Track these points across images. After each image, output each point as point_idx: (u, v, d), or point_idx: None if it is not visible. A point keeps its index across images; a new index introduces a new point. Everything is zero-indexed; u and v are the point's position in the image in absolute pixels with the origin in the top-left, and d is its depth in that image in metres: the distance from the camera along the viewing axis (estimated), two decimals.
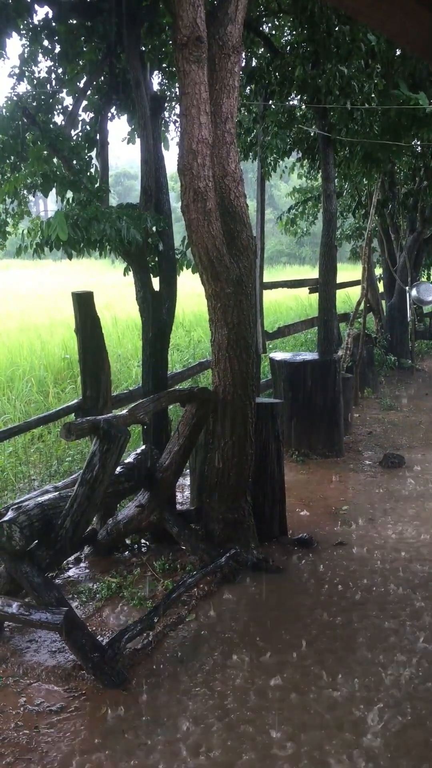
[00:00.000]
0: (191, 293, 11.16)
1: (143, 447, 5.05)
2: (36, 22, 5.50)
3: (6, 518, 3.80)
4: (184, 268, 5.69)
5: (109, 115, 5.90)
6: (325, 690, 3.62)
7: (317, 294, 9.03)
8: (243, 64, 7.32)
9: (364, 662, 3.85)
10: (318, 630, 4.19)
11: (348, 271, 18.41)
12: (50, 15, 5.46)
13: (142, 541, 5.30)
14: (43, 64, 5.86)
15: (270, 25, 8.65)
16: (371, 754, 3.16)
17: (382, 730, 3.31)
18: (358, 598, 4.56)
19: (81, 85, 5.74)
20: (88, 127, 5.90)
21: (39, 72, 5.86)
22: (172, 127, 7.76)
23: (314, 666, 3.82)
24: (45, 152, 5.29)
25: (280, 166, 10.07)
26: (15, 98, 5.65)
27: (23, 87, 5.85)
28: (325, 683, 3.67)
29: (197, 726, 3.36)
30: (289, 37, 8.58)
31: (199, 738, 3.28)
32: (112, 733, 3.33)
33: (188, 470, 5.78)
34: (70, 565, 5.01)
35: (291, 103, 8.49)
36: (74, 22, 5.53)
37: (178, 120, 4.83)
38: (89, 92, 5.79)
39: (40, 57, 5.80)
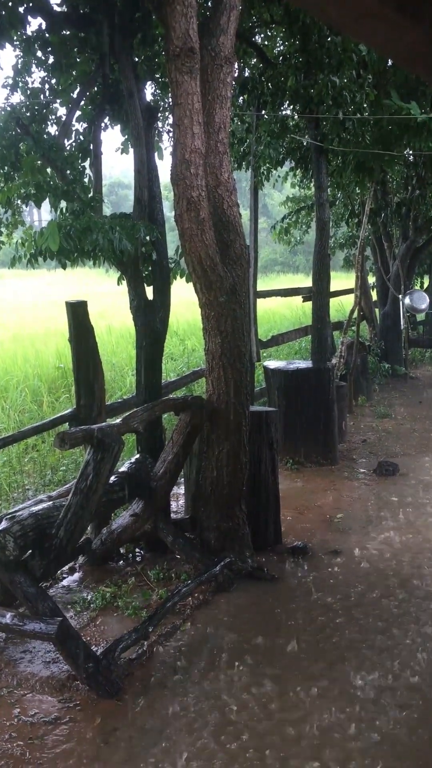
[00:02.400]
0: (185, 302, 11.19)
1: (137, 456, 5.05)
2: (29, 33, 5.54)
3: (0, 528, 3.79)
4: (178, 277, 5.71)
5: (103, 125, 5.94)
6: (322, 699, 3.61)
7: (311, 302, 9.06)
8: (236, 75, 7.37)
9: (361, 670, 3.84)
10: (313, 638, 4.18)
11: (341, 280, 18.48)
12: (43, 26, 5.50)
13: (137, 550, 5.29)
14: (37, 75, 5.93)
15: (262, 35, 8.72)
16: (371, 761, 3.15)
17: (382, 737, 3.31)
18: (353, 606, 4.55)
19: (74, 95, 5.78)
20: (81, 137, 5.93)
21: (32, 82, 5.92)
22: (165, 137, 7.80)
23: (310, 675, 3.81)
24: (38, 162, 5.32)
25: (273, 176, 10.13)
26: (9, 108, 5.69)
27: (17, 97, 5.90)
28: (321, 693, 3.67)
29: (191, 737, 3.35)
30: (282, 48, 8.65)
31: (193, 749, 3.27)
32: (106, 743, 3.31)
33: (182, 479, 5.79)
34: (65, 575, 5.00)
35: (284, 113, 8.54)
36: (67, 33, 5.58)
37: (171, 130, 4.86)
38: (83, 103, 5.83)
39: (34, 68, 5.84)
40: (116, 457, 4.14)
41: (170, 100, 4.64)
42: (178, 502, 6.31)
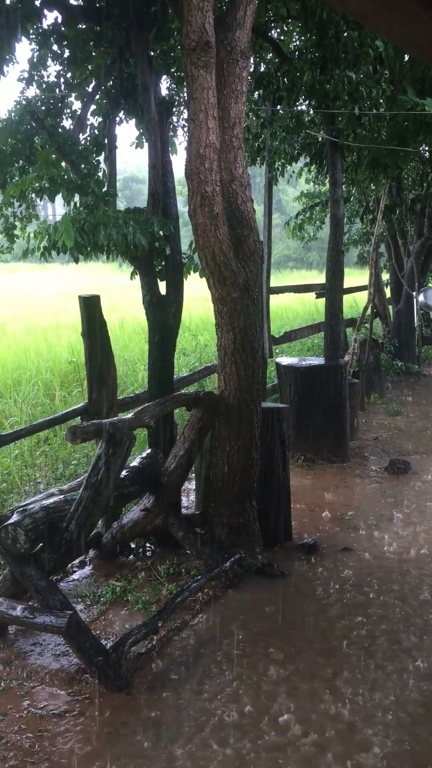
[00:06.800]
0: (198, 297, 11.19)
1: (149, 451, 5.05)
2: (45, 26, 5.54)
3: (11, 521, 3.80)
4: (191, 272, 5.70)
5: (118, 119, 5.93)
6: (330, 696, 3.60)
7: (324, 299, 9.03)
8: (251, 69, 7.34)
9: (370, 668, 3.83)
10: (322, 636, 4.17)
11: (355, 276, 18.42)
12: (59, 20, 5.50)
13: (147, 544, 5.30)
14: (52, 69, 5.90)
15: (278, 30, 8.67)
16: (379, 758, 3.15)
17: (389, 733, 3.30)
18: (362, 604, 4.54)
19: (90, 89, 5.78)
20: (96, 131, 5.93)
21: (48, 76, 5.92)
22: (180, 131, 7.79)
23: (319, 672, 3.80)
24: (53, 156, 5.32)
25: (288, 171, 10.09)
26: (24, 102, 5.69)
27: (32, 91, 5.90)
28: (329, 689, 3.66)
29: (200, 731, 3.35)
30: (298, 43, 8.60)
31: (201, 744, 3.27)
32: (114, 737, 3.32)
33: (194, 474, 5.79)
34: (75, 569, 5.01)
35: (299, 108, 8.50)
36: (83, 26, 5.56)
37: (186, 124, 4.84)
38: (98, 96, 5.83)
39: (50, 61, 5.84)
40: (127, 452, 4.14)
41: (185, 94, 4.62)
42: (188, 497, 6.31)
